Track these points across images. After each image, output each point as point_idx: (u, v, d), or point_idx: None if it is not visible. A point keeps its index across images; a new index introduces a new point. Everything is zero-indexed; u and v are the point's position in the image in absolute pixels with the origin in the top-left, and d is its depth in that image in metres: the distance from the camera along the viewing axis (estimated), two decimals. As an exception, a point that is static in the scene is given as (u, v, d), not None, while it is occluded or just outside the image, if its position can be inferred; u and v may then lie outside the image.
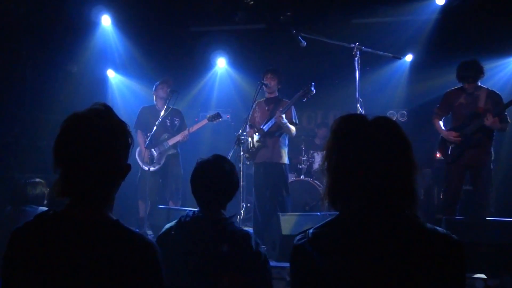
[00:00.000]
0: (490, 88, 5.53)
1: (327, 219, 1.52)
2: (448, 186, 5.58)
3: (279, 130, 5.98)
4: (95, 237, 1.49)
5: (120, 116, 1.64)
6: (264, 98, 6.21)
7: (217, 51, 9.01)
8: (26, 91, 6.95)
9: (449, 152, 5.53)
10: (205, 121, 6.77)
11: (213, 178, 2.46)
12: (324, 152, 1.56)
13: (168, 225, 2.50)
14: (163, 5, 7.69)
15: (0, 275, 1.53)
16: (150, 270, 1.51)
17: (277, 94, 6.17)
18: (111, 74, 8.83)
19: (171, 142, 6.70)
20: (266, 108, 6.12)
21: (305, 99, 5.77)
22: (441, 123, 5.74)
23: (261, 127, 6.00)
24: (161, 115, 6.42)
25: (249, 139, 6.12)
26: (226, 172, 2.49)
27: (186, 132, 6.68)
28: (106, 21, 7.72)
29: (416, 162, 1.49)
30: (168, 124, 6.79)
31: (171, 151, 6.72)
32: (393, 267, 1.38)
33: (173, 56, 8.63)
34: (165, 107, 6.49)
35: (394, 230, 1.43)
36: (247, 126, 6.10)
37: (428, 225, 1.46)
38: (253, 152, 6.07)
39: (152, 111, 6.83)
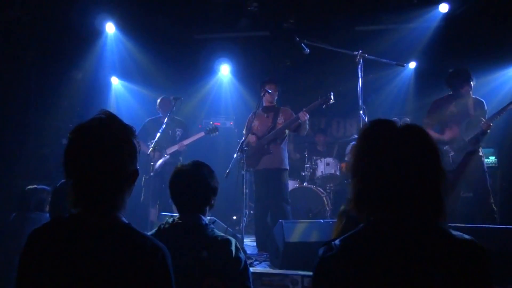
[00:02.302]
0: (473, 96, 5.57)
1: (356, 229, 1.49)
2: (449, 193, 5.57)
3: (280, 136, 6.02)
4: (107, 240, 1.55)
5: (123, 121, 1.66)
6: (262, 107, 6.23)
7: (221, 58, 9.04)
8: (31, 98, 6.98)
9: (451, 161, 5.52)
10: (201, 134, 6.87)
11: (190, 183, 2.47)
12: (352, 157, 1.53)
13: (149, 233, 2.51)
14: (167, 12, 7.74)
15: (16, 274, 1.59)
16: (160, 273, 1.56)
17: (275, 102, 6.24)
18: (114, 81, 8.86)
19: (169, 151, 6.79)
20: (266, 115, 6.17)
21: (324, 106, 5.81)
22: (433, 132, 5.69)
23: (265, 135, 6.04)
24: (164, 122, 6.43)
25: (249, 145, 6.11)
26: (203, 177, 2.49)
27: (183, 143, 6.81)
28: (110, 28, 7.77)
29: (444, 171, 1.47)
30: (170, 134, 6.86)
31: (170, 160, 6.73)
32: (423, 278, 1.37)
33: (177, 63, 8.66)
34: (168, 114, 6.50)
35: (423, 240, 1.41)
36: (245, 133, 6.18)
37: (454, 232, 1.45)
38: (253, 159, 6.09)
39: (157, 122, 6.88)
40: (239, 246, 2.42)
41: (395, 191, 1.43)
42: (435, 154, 1.48)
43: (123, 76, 8.79)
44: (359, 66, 5.19)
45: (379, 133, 1.51)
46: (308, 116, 5.83)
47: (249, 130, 6.11)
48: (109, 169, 1.57)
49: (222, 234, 2.45)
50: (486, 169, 5.56)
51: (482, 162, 5.52)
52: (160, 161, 6.71)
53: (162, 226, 2.47)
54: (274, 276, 4.51)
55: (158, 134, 6.33)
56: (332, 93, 5.73)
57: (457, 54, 7.73)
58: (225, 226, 5.35)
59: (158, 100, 7.08)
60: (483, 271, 1.40)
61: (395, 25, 7.90)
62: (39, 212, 4.33)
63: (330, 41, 5.83)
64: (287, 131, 6.12)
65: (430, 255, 1.38)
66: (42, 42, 6.97)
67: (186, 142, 6.83)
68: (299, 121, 5.86)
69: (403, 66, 5.77)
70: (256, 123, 6.18)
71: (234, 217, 7.66)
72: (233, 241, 2.41)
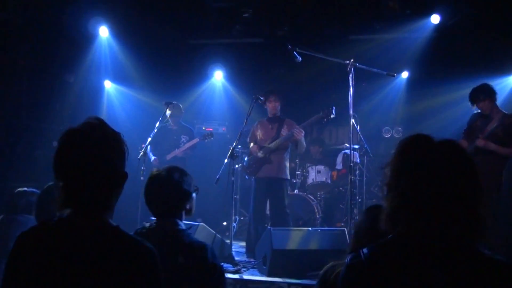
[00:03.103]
0: (506, 112, 5.40)
1: (385, 239, 1.48)
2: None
3: (283, 147, 6.13)
4: (96, 243, 1.55)
5: (117, 126, 1.71)
6: (267, 117, 6.36)
7: (214, 64, 9.07)
8: (23, 101, 6.98)
9: None
10: (196, 140, 6.99)
11: (163, 187, 2.48)
12: (389, 172, 1.51)
13: None
14: (161, 17, 7.76)
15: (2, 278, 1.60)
16: (149, 274, 1.57)
17: (279, 113, 6.31)
18: (108, 84, 8.86)
19: (169, 157, 6.90)
20: (270, 126, 6.29)
21: (325, 120, 5.93)
22: (465, 142, 5.54)
23: (268, 144, 6.14)
24: (156, 126, 6.45)
25: (252, 155, 6.28)
26: (175, 181, 2.49)
27: (180, 149, 6.93)
28: (104, 32, 7.78)
29: (483, 189, 1.45)
30: (175, 139, 7.03)
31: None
32: None
33: (170, 68, 8.68)
34: (160, 118, 6.52)
35: (453, 258, 1.40)
36: (251, 144, 6.34)
37: (486, 252, 1.43)
38: (255, 168, 6.21)
39: (164, 129, 6.97)
40: (215, 253, 2.42)
41: (431, 208, 1.42)
42: (474, 171, 1.46)
43: (116, 80, 8.79)
44: (350, 75, 5.22)
45: (417, 149, 1.50)
46: (303, 133, 5.96)
47: (253, 139, 6.29)
48: (99, 172, 1.59)
49: (198, 240, 2.46)
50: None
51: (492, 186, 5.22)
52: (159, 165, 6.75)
53: (138, 230, 2.47)
54: (260, 284, 4.51)
55: (149, 139, 6.35)
56: (334, 107, 5.81)
57: (449, 65, 7.79)
58: (214, 232, 5.35)
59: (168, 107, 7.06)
60: None
61: (388, 35, 7.95)
62: (26, 214, 4.31)
63: (323, 49, 5.86)
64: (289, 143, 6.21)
65: (455, 273, 1.37)
66: (35, 45, 6.97)
67: (182, 148, 6.95)
68: (294, 138, 5.96)
69: (394, 76, 5.79)
70: (260, 132, 6.31)
71: (224, 223, 7.65)
72: (209, 247, 2.41)
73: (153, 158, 6.90)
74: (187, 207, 2.53)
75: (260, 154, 6.15)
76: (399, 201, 1.46)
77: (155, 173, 2.55)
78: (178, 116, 7.08)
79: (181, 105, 7.19)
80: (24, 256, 1.57)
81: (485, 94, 5.35)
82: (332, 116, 5.82)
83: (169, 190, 2.47)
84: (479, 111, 5.52)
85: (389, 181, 1.50)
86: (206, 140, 6.98)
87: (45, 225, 1.62)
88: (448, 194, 1.41)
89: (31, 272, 1.53)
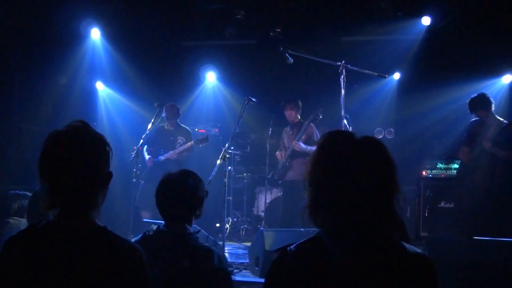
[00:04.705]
0: (503, 120, 5.78)
1: (309, 237, 1.52)
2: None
3: (300, 153, 6.36)
4: (84, 244, 1.57)
5: (109, 128, 1.73)
6: (289, 125, 6.78)
7: (207, 66, 9.03)
8: (13, 102, 6.94)
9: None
10: (191, 143, 6.92)
11: (177, 192, 2.48)
12: (309, 165, 1.55)
13: (133, 239, 2.51)
14: (154, 19, 7.74)
15: None
16: (137, 274, 1.59)
17: (299, 118, 6.65)
18: (100, 86, 8.82)
19: (163, 158, 6.86)
20: (291, 133, 6.70)
21: (314, 123, 6.39)
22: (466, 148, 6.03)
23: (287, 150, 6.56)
24: (148, 128, 6.43)
25: (280, 162, 6.72)
26: (190, 186, 2.50)
27: (175, 151, 6.87)
28: (95, 34, 7.75)
29: (399, 184, 1.50)
30: (171, 140, 6.97)
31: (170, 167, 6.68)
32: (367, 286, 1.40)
33: (163, 69, 8.66)
34: (153, 120, 6.50)
35: (369, 250, 1.44)
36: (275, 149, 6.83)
37: (407, 245, 1.48)
38: (282, 172, 6.66)
39: (160, 130, 7.00)
40: (222, 258, 2.43)
41: (347, 202, 1.46)
42: (391, 168, 1.51)
43: (108, 81, 8.75)
44: (342, 76, 5.25)
45: (336, 144, 1.54)
46: (300, 145, 6.28)
47: (282, 145, 6.86)
48: (83, 173, 1.62)
49: (205, 244, 2.46)
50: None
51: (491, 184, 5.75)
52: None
53: (147, 233, 2.47)
54: (253, 285, 4.52)
55: (141, 140, 6.33)
56: (320, 109, 6.22)
57: (440, 66, 7.83)
58: (206, 234, 5.34)
59: (165, 107, 7.02)
60: (432, 284, 1.45)
61: (380, 36, 7.98)
62: (18, 217, 4.30)
63: (316, 50, 5.87)
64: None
65: (373, 265, 1.42)
66: (26, 46, 6.94)
67: (177, 151, 6.89)
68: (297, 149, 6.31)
69: (385, 77, 5.83)
70: (285, 139, 6.82)
71: (217, 225, 7.64)
72: (216, 251, 2.41)
73: (147, 157, 6.88)
74: (198, 212, 2.54)
75: (282, 161, 6.62)
76: (316, 194, 1.51)
77: (169, 177, 2.54)
78: (174, 117, 7.00)
79: (178, 106, 7.15)
80: (12, 260, 1.58)
81: (482, 103, 5.76)
82: (319, 118, 6.26)
83: (184, 195, 2.47)
84: (477, 118, 5.94)
85: (309, 174, 1.55)
86: (201, 145, 6.93)
87: (33, 228, 1.63)
88: (362, 188, 1.45)
89: (19, 276, 1.54)
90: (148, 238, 2.43)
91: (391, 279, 1.41)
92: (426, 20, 7.42)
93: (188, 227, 2.47)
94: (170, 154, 6.87)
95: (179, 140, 7.00)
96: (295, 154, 6.42)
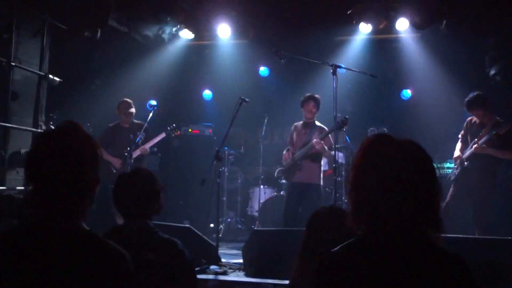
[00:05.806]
0: (499, 118, 5.77)
1: (352, 239, 1.54)
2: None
3: (313, 155, 6.17)
4: (68, 247, 1.54)
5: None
6: (302, 122, 6.45)
7: (200, 65, 9.04)
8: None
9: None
10: (163, 135, 6.80)
11: (132, 188, 2.51)
12: (352, 170, 1.58)
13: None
14: (143, 18, 7.70)
15: None
16: (122, 279, 1.57)
17: (314, 119, 6.36)
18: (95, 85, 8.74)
19: (134, 155, 6.57)
20: (303, 131, 6.36)
21: (342, 129, 6.04)
22: (459, 145, 6.15)
23: (297, 150, 6.26)
24: (123, 126, 6.40)
25: (287, 160, 6.39)
26: (144, 182, 2.53)
27: (145, 146, 6.62)
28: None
29: (439, 185, 1.53)
30: (131, 138, 6.60)
31: (136, 165, 6.43)
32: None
33: (155, 68, 8.62)
34: (145, 122, 6.47)
35: (415, 255, 1.47)
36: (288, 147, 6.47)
37: (443, 247, 1.50)
38: (289, 172, 6.37)
39: (117, 128, 6.82)
40: (185, 250, 2.45)
41: (392, 205, 1.48)
42: (433, 168, 1.54)
43: (102, 80, 8.68)
44: (334, 77, 5.28)
45: (380, 148, 1.56)
46: (321, 144, 5.95)
47: (290, 143, 6.48)
48: (71, 174, 1.59)
49: (168, 236, 2.48)
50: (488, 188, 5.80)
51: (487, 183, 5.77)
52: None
53: (106, 232, 2.48)
54: (247, 285, 4.52)
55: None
56: (347, 117, 5.86)
57: (432, 65, 7.86)
58: (200, 234, 5.34)
59: (118, 104, 6.85)
60: (468, 286, 1.47)
61: (372, 36, 8.00)
62: (11, 219, 4.29)
63: (308, 50, 5.91)
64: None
65: (417, 268, 1.44)
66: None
67: (147, 145, 6.65)
68: (315, 150, 6.02)
69: (376, 77, 5.86)
70: (295, 137, 6.44)
71: (212, 225, 7.65)
72: (179, 243, 2.44)
73: (116, 160, 6.53)
74: (156, 206, 2.55)
75: (289, 161, 6.31)
76: (360, 199, 1.53)
77: (124, 174, 2.59)
78: (126, 112, 6.70)
79: (130, 101, 6.82)
80: None
81: (478, 102, 5.76)
82: (347, 124, 5.90)
83: (139, 191, 2.50)
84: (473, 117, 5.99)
85: (352, 179, 1.57)
86: (173, 135, 6.88)
87: (17, 230, 1.61)
88: (408, 190, 1.47)
89: (1, 278, 1.52)
90: (107, 237, 2.44)
91: (432, 281, 1.43)
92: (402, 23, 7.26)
93: (149, 222, 2.49)
94: (141, 149, 6.56)
95: (140, 136, 6.59)
96: (309, 155, 6.16)
